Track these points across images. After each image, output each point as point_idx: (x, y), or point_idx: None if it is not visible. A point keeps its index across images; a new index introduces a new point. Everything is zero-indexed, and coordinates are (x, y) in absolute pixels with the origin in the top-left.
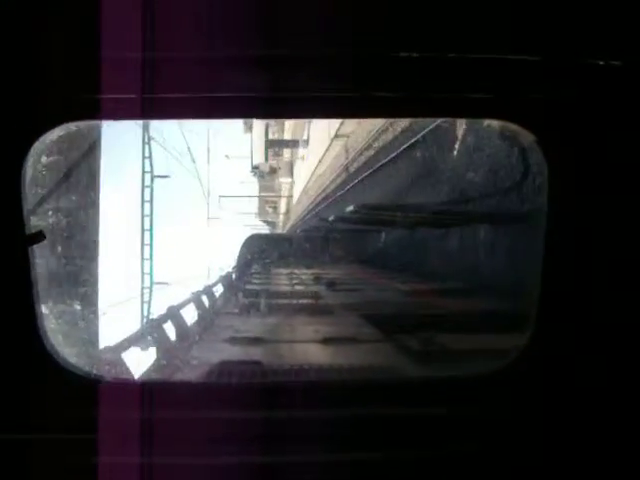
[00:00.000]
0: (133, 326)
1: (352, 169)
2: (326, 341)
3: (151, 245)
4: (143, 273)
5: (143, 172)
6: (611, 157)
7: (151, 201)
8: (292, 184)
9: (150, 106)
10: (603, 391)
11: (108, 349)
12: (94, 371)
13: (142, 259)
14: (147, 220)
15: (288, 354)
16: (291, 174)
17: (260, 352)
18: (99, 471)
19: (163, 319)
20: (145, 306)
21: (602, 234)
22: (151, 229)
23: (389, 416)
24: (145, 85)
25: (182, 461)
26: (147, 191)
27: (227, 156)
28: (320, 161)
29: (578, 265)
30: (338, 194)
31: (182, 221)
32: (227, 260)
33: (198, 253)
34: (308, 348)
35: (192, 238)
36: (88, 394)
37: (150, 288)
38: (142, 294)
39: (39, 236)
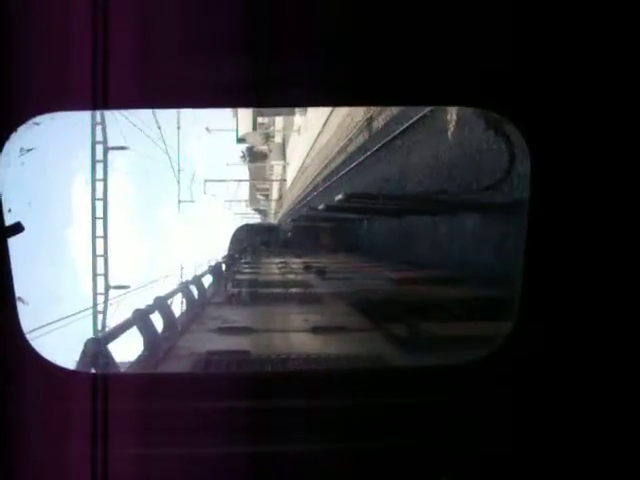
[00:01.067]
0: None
1: (378, 124)
2: (315, 330)
3: (105, 238)
4: (95, 274)
5: (93, 143)
6: (594, 138)
7: (105, 180)
8: (285, 166)
9: (123, 95)
10: (586, 380)
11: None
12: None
13: (93, 256)
14: (100, 205)
15: (277, 343)
16: (283, 155)
17: (248, 341)
18: (78, 462)
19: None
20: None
21: (585, 219)
22: (105, 217)
23: (376, 405)
24: (115, 75)
25: (165, 452)
26: (99, 167)
27: (208, 129)
28: (323, 127)
29: (561, 254)
30: (355, 163)
31: (148, 206)
32: (208, 254)
33: (170, 246)
34: (297, 337)
35: (162, 228)
36: (68, 387)
37: (105, 294)
38: (95, 302)
39: (17, 228)
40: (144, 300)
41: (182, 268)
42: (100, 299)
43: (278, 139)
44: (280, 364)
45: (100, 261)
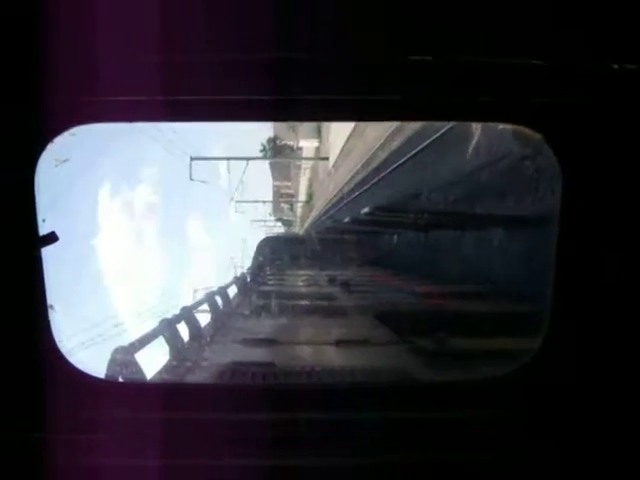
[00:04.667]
0: None
1: None
2: (339, 343)
3: None
4: None
5: None
6: (624, 159)
7: None
8: (318, 147)
9: (161, 108)
10: (615, 395)
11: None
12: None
13: None
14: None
15: (301, 356)
16: (318, 131)
17: (273, 353)
18: (105, 472)
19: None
20: None
21: (615, 236)
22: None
23: (402, 419)
24: (153, 88)
25: (191, 462)
26: None
27: None
28: None
29: (591, 268)
30: None
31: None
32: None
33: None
34: (321, 350)
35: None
36: (98, 395)
37: None
38: None
39: (51, 238)
40: None
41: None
42: None
43: None
44: (304, 376)
45: None
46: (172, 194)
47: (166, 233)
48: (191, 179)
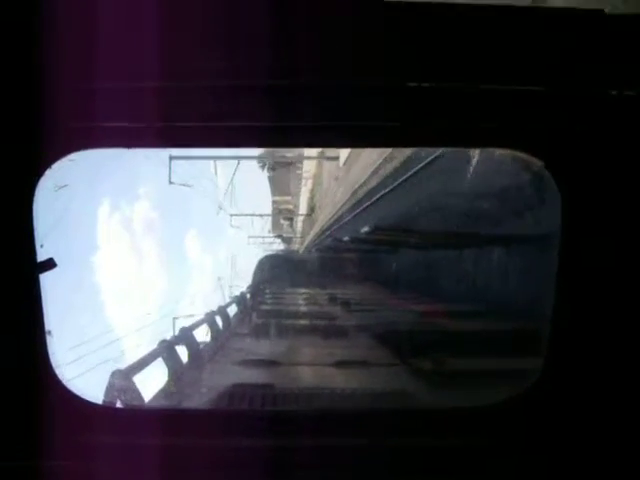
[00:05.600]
0: None
1: None
2: (339, 364)
3: None
4: None
5: None
6: (624, 187)
7: None
8: (322, 152)
9: (159, 133)
10: (618, 419)
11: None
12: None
13: None
14: None
15: (301, 377)
16: None
17: (273, 375)
18: None
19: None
20: None
21: (615, 262)
22: None
23: (402, 446)
24: (152, 114)
25: None
26: None
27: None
28: None
29: (591, 293)
30: None
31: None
32: None
33: None
34: (321, 371)
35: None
36: (96, 420)
37: None
38: None
39: (50, 264)
40: None
41: None
42: None
43: None
44: (304, 399)
45: None
46: (153, 197)
47: (140, 245)
48: (170, 182)
